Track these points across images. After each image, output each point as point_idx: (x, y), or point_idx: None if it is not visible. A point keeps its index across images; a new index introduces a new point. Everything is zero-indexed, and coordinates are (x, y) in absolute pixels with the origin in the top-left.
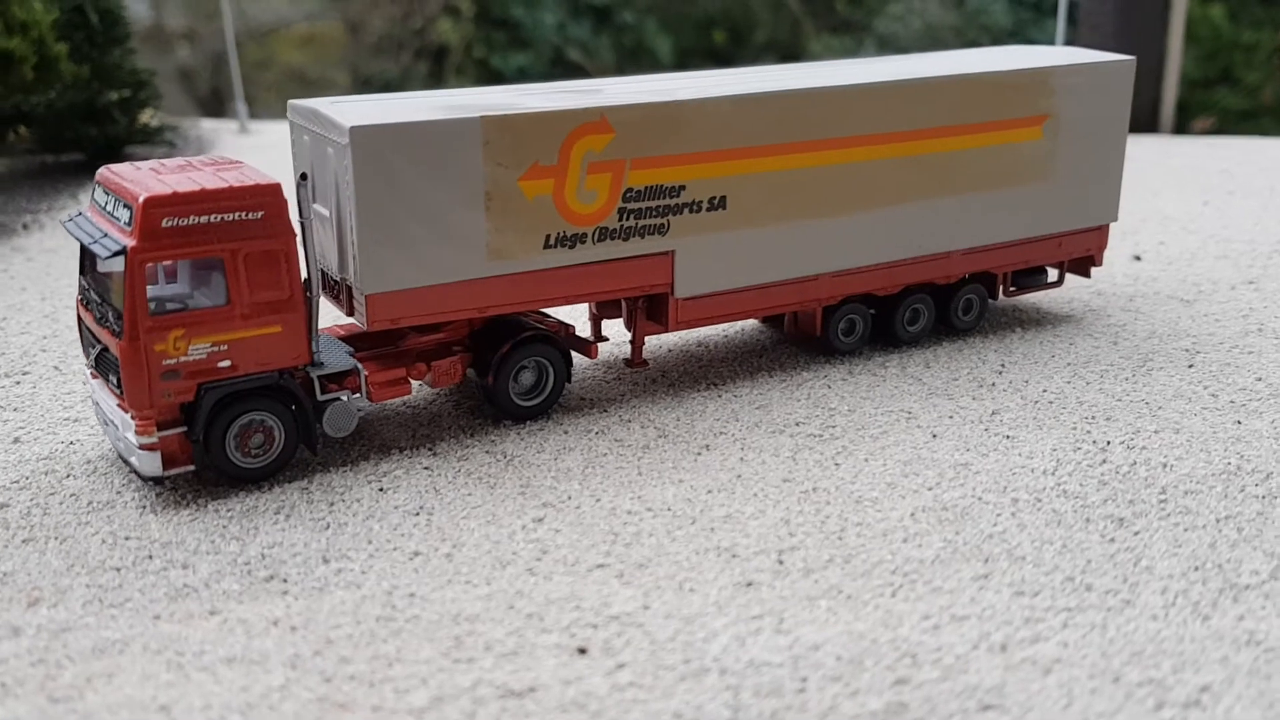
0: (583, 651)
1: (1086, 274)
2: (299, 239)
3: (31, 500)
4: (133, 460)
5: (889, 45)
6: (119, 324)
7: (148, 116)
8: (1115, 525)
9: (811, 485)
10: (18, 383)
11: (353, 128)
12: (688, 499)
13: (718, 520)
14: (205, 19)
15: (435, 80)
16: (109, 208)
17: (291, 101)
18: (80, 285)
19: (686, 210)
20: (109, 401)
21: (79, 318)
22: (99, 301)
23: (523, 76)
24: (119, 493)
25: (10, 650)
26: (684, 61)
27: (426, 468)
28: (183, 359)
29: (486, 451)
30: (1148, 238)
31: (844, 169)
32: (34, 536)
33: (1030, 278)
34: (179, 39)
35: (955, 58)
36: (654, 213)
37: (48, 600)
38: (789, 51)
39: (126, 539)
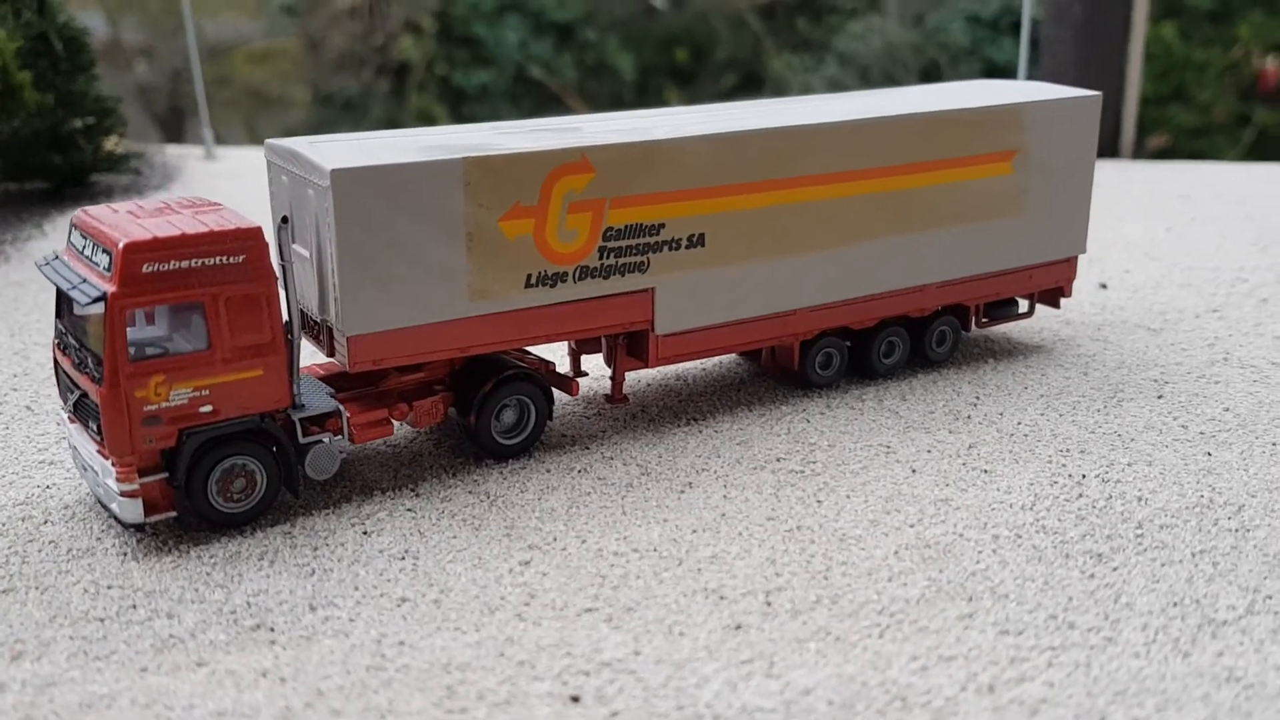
0: (575, 700)
1: (1056, 305)
2: (280, 281)
3: (9, 548)
4: (113, 506)
5: (849, 63)
6: (99, 370)
7: (112, 144)
8: (1094, 561)
9: (795, 524)
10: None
11: (334, 170)
12: (673, 539)
13: (704, 561)
14: (164, 36)
15: (397, 97)
16: (86, 252)
17: (269, 141)
18: (57, 329)
19: (666, 248)
20: (88, 447)
21: (55, 361)
22: (77, 346)
23: (485, 94)
24: (99, 539)
25: None
26: (646, 79)
27: (410, 509)
28: (164, 405)
29: (470, 492)
30: (1113, 265)
31: (819, 205)
32: (13, 586)
33: (1002, 309)
34: (136, 55)
35: (925, 93)
36: (634, 251)
37: (31, 654)
38: (750, 70)
39: (109, 588)
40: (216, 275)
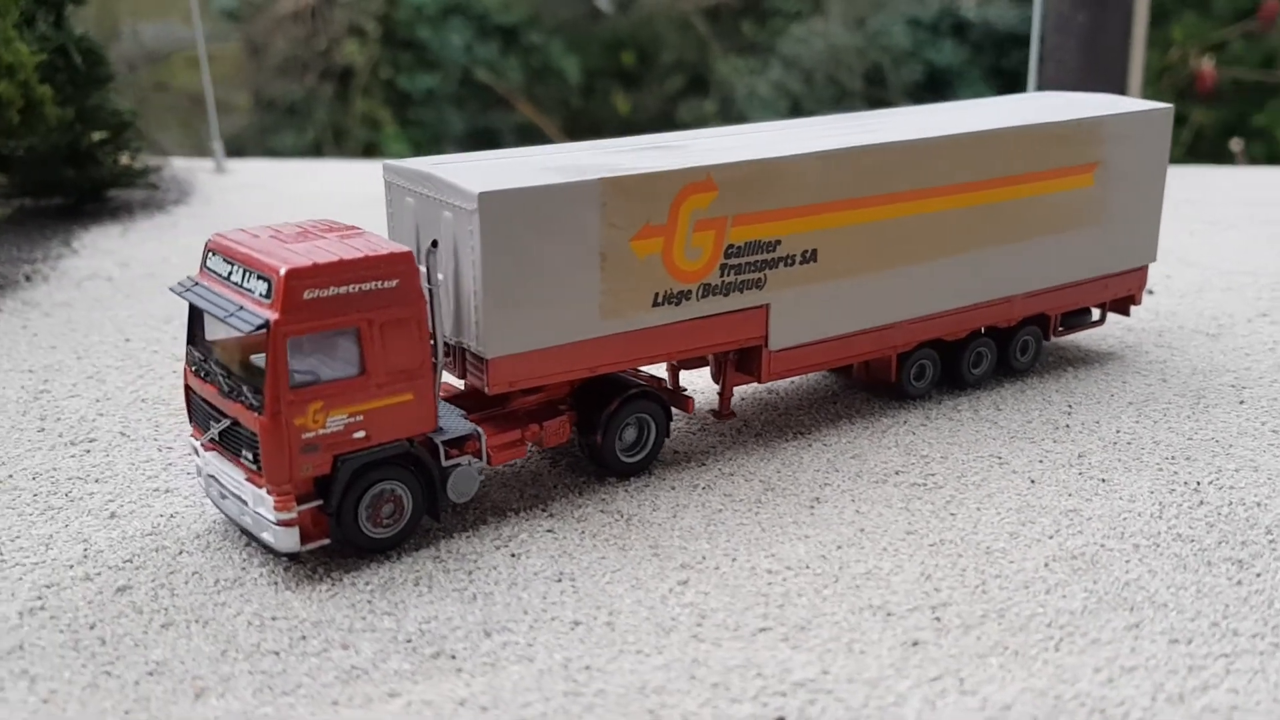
0: None
1: (1126, 313)
2: (427, 305)
3: (153, 580)
4: (265, 536)
5: (794, 66)
6: (257, 398)
7: (128, 158)
8: (1237, 568)
9: (937, 538)
10: (88, 451)
11: (481, 193)
12: (821, 556)
13: (860, 577)
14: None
15: (341, 101)
16: (235, 278)
17: (388, 163)
18: (192, 356)
19: (781, 264)
20: (234, 475)
21: (187, 388)
22: (225, 374)
23: (431, 97)
24: (244, 569)
25: None
26: (592, 82)
27: (549, 530)
28: (321, 431)
29: (602, 511)
30: (1153, 271)
31: (920, 219)
32: (172, 620)
33: (1077, 318)
34: None
35: (995, 106)
36: (752, 267)
37: (214, 690)
38: (697, 73)
39: (273, 619)
40: (372, 300)
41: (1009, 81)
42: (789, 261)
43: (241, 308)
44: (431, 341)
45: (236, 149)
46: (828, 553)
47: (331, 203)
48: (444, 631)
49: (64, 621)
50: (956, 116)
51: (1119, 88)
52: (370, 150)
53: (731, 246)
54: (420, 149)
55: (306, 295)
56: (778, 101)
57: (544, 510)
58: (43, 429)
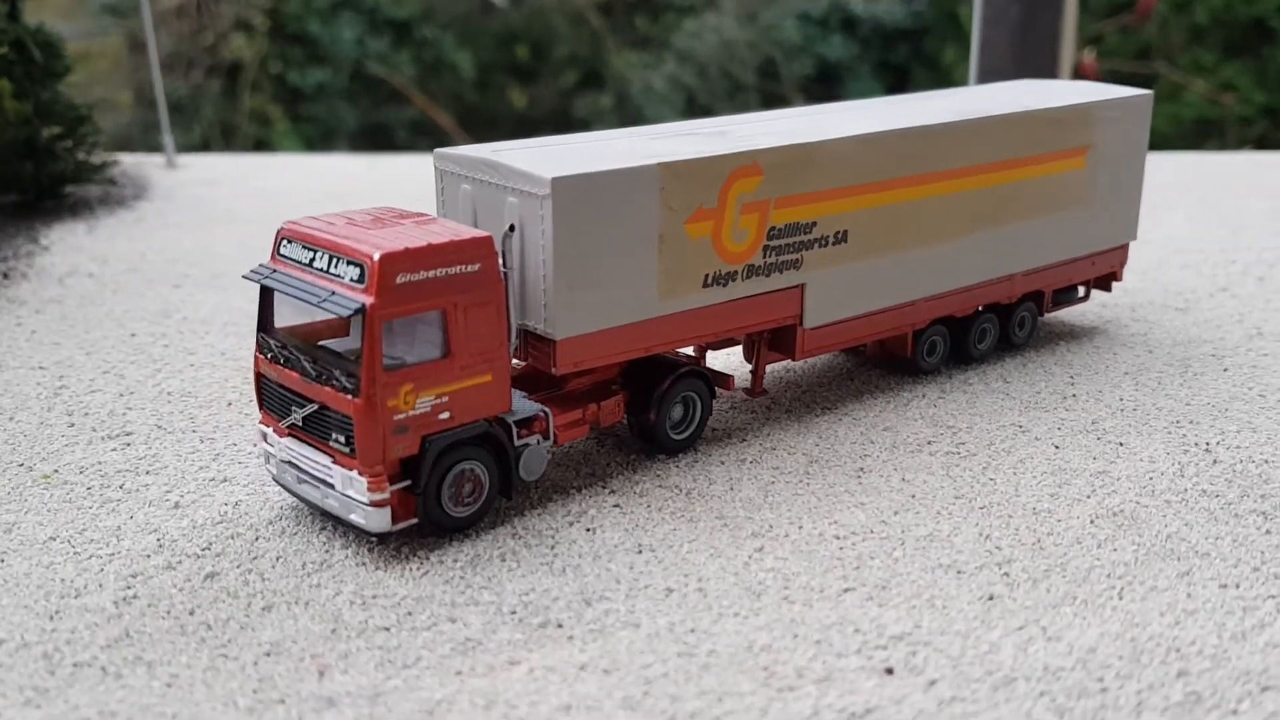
0: (890, 671)
1: (1108, 288)
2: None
3: (239, 566)
4: (354, 518)
5: (688, 61)
6: (351, 381)
7: (84, 153)
8: (1262, 519)
9: (984, 501)
10: (127, 444)
11: (554, 179)
12: (882, 521)
13: (922, 540)
14: None
15: (229, 98)
16: (318, 263)
17: (440, 151)
18: (266, 343)
19: (816, 245)
20: (317, 460)
21: (258, 375)
22: (312, 360)
23: (322, 92)
24: (328, 552)
25: None
26: (486, 77)
27: (616, 505)
28: (411, 413)
29: (660, 486)
30: None
31: (938, 201)
32: (272, 603)
33: (1065, 295)
34: None
35: (985, 94)
36: (791, 249)
37: (336, 666)
38: (591, 67)
39: (374, 597)
40: (457, 284)
41: (897, 76)
42: (823, 242)
43: (334, 293)
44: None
45: (121, 146)
46: (886, 518)
47: (298, 197)
48: (545, 603)
49: (162, 608)
50: (958, 103)
51: (1049, 76)
52: (260, 146)
53: (773, 228)
54: (312, 145)
55: (399, 279)
56: (673, 95)
57: (604, 487)
58: (73, 424)
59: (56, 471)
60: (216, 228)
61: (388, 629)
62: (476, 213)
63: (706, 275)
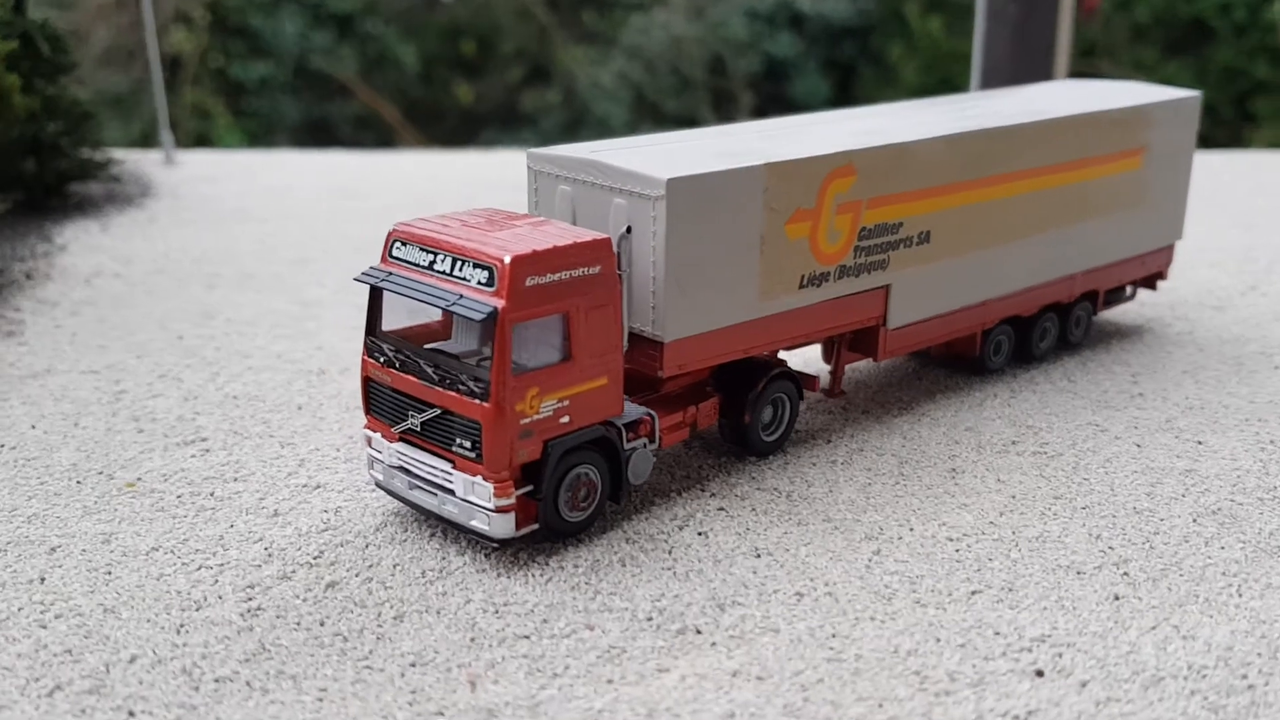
0: (1040, 674)
1: (1154, 287)
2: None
3: (356, 574)
4: (476, 523)
5: (636, 57)
6: (479, 386)
7: (88, 150)
8: None
9: (1084, 501)
10: (205, 450)
11: (670, 180)
12: (990, 522)
13: (1034, 540)
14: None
15: (170, 92)
16: (439, 266)
17: (534, 151)
18: (379, 346)
19: (902, 245)
20: (434, 465)
21: (366, 379)
22: (434, 364)
23: (264, 87)
24: (444, 559)
25: None
26: (431, 71)
27: (720, 509)
28: (535, 417)
29: (759, 489)
30: None
31: (1011, 201)
32: (403, 612)
33: (1115, 294)
34: None
35: (1039, 93)
36: (879, 249)
37: (485, 677)
38: (538, 63)
39: (506, 605)
40: (579, 286)
41: (844, 73)
42: (908, 243)
43: (462, 296)
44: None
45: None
46: (994, 519)
47: (308, 194)
48: (679, 608)
49: (291, 620)
50: (1019, 104)
51: (1046, 73)
52: (202, 142)
53: (864, 229)
54: (255, 139)
55: (528, 282)
56: (621, 91)
57: (703, 490)
58: (141, 430)
59: (140, 479)
60: (232, 226)
61: (527, 637)
62: (576, 214)
63: (803, 276)
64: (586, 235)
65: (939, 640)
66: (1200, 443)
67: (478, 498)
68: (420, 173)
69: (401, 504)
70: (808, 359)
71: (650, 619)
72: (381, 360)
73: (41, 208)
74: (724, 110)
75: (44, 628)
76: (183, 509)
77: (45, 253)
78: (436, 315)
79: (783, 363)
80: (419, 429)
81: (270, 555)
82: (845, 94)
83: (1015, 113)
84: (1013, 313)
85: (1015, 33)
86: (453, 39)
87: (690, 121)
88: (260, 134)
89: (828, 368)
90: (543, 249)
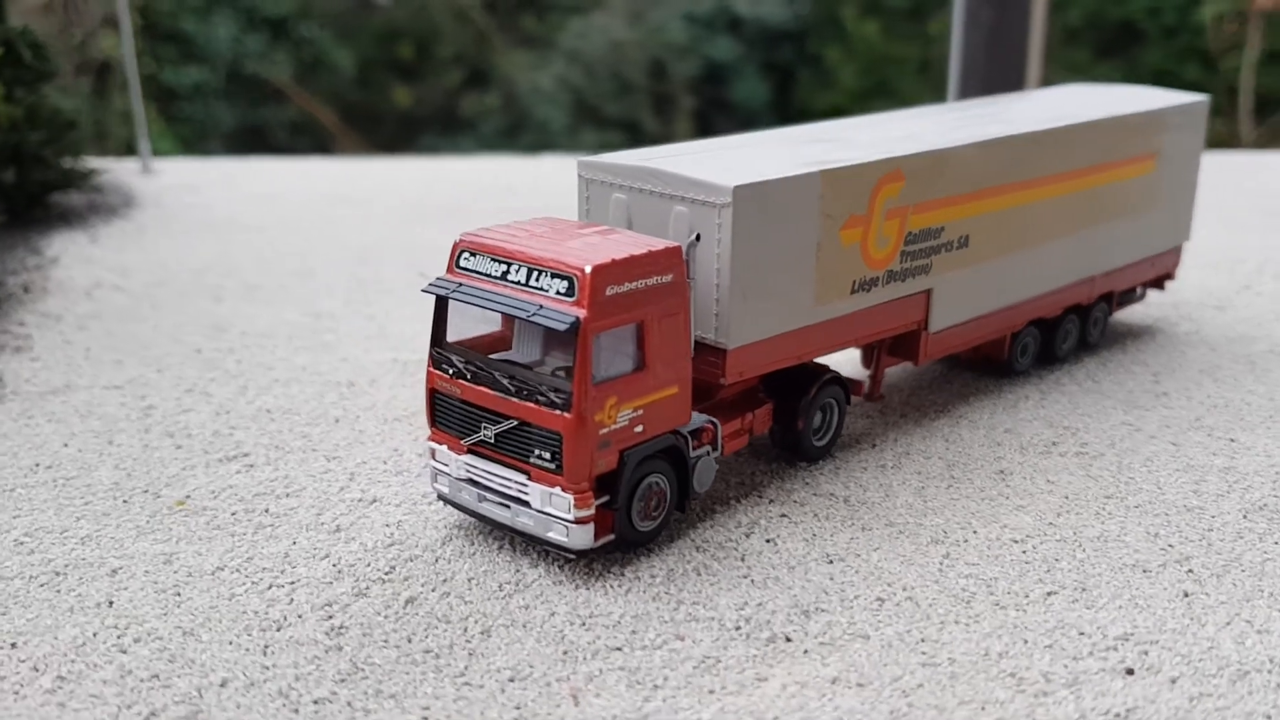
0: (1131, 672)
1: (1162, 287)
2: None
3: (432, 589)
4: (553, 535)
5: (576, 61)
6: (559, 396)
7: (70, 160)
8: None
9: (1135, 500)
10: (250, 466)
11: (737, 187)
12: (1049, 523)
13: (1095, 540)
14: None
15: (100, 97)
16: (514, 276)
17: (585, 159)
18: (445, 358)
19: (944, 250)
20: (508, 477)
21: (432, 390)
22: (508, 376)
23: (198, 92)
24: (517, 571)
25: None
26: (367, 75)
27: (783, 515)
28: (613, 427)
29: (816, 495)
30: None
31: (1042, 205)
32: (489, 627)
33: (1128, 295)
34: None
35: (1053, 97)
36: (923, 254)
37: (587, 690)
38: (477, 67)
39: (591, 617)
40: (653, 295)
41: (782, 76)
42: (949, 247)
43: (542, 306)
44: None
45: None
46: (1052, 520)
47: (296, 202)
48: (764, 616)
49: (378, 637)
50: (1038, 109)
51: (1020, 76)
52: (133, 150)
53: (910, 234)
54: (188, 146)
55: (608, 291)
56: (561, 95)
57: (760, 497)
58: (179, 445)
59: (189, 497)
60: (227, 235)
61: (619, 649)
62: (631, 222)
63: (854, 282)
64: (659, 243)
65: (1026, 642)
66: (1233, 440)
67: (556, 509)
68: (407, 178)
69: (465, 517)
70: (837, 363)
71: (738, 628)
72: (450, 372)
73: (24, 219)
74: (665, 114)
75: (124, 652)
76: (240, 526)
77: (37, 265)
78: (496, 326)
79: (829, 368)
80: (492, 441)
81: (340, 572)
82: (785, 97)
83: (1042, 118)
84: (1039, 315)
85: (990, 37)
86: (390, 42)
87: (632, 126)
88: (193, 140)
89: (866, 372)
90: (621, 258)
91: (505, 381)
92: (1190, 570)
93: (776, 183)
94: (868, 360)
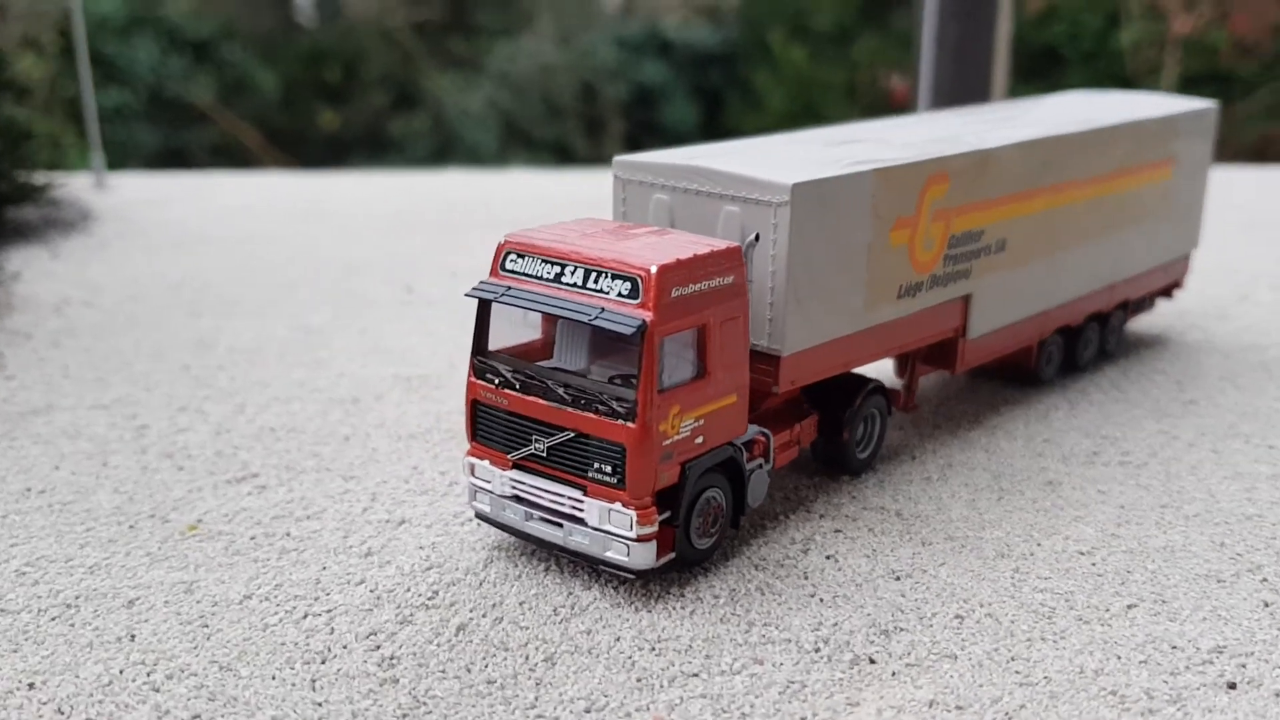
0: (1233, 686)
1: (1170, 295)
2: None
3: (482, 614)
4: (611, 555)
5: (505, 84)
6: (622, 406)
7: (23, 174)
8: None
9: (1192, 510)
10: (262, 487)
11: (796, 184)
12: (1111, 534)
13: (1163, 551)
14: None
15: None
16: (569, 278)
17: (622, 159)
18: (490, 367)
19: (983, 254)
20: (560, 493)
21: (473, 402)
22: (563, 385)
23: (119, 114)
24: (570, 594)
25: None
26: (293, 97)
27: (837, 530)
28: (676, 438)
29: (866, 509)
30: None
31: (1073, 209)
32: (551, 654)
33: (1139, 303)
34: None
35: (1066, 103)
36: (964, 258)
37: (673, 718)
38: (405, 89)
39: (660, 641)
40: (713, 298)
41: (711, 100)
42: (988, 251)
43: (604, 310)
44: None
45: None
46: (1115, 530)
47: (266, 215)
48: (842, 637)
49: (434, 668)
50: (1061, 113)
51: (985, 92)
52: (58, 167)
53: (953, 236)
54: (110, 169)
55: (674, 294)
56: (490, 118)
57: (809, 512)
58: (180, 467)
59: (201, 521)
60: (196, 250)
61: (696, 675)
62: (675, 224)
63: (901, 286)
64: (719, 244)
65: (1120, 658)
66: (1272, 447)
67: (616, 526)
68: (381, 193)
69: (504, 537)
70: (870, 373)
71: (818, 649)
72: (496, 382)
73: None
74: (595, 137)
75: (157, 690)
76: (261, 551)
77: None
78: (534, 334)
79: (872, 378)
80: (544, 455)
81: (379, 599)
82: (714, 120)
83: (1071, 120)
84: (1065, 322)
85: (955, 55)
86: (315, 65)
87: (562, 149)
88: (115, 162)
89: (899, 382)
90: (685, 258)
91: (560, 391)
92: (1265, 579)
93: (834, 181)
94: (902, 370)
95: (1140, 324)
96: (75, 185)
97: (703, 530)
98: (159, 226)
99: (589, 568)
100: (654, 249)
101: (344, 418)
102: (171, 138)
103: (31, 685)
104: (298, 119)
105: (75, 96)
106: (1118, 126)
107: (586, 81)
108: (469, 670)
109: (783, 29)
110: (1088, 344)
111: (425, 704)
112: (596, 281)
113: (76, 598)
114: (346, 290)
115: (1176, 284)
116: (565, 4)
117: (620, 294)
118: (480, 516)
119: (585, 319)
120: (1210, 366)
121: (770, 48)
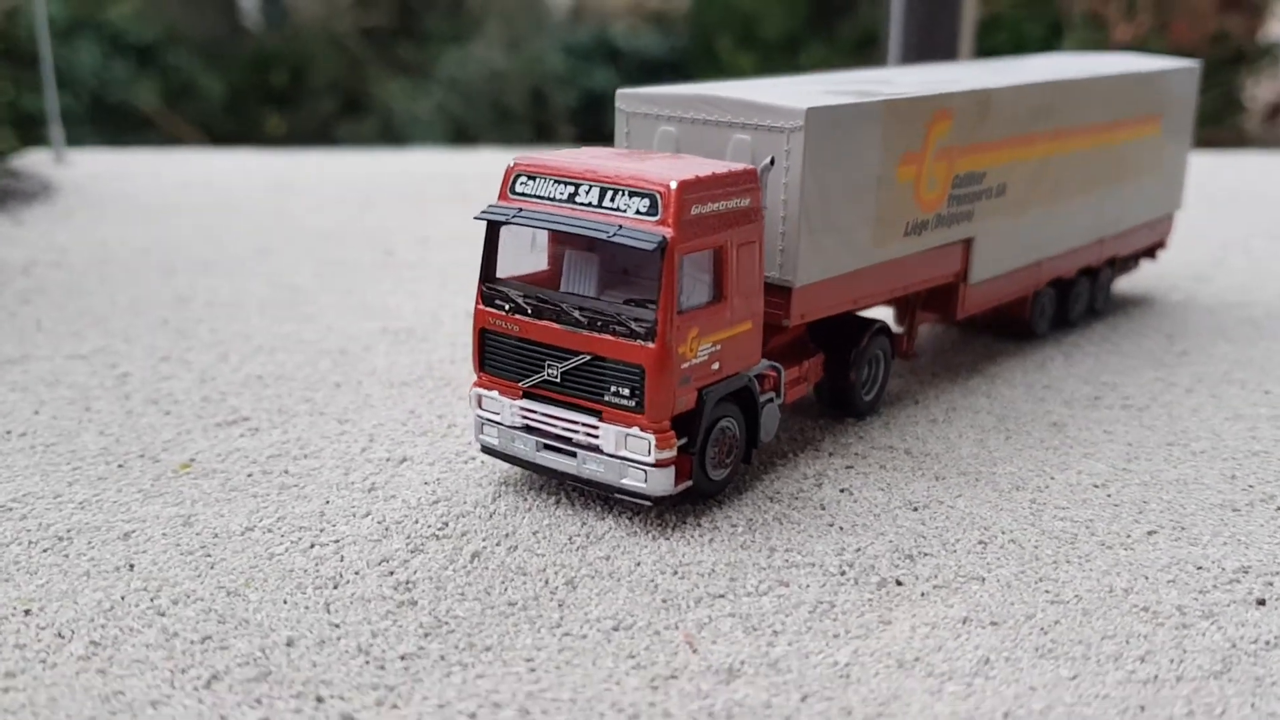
0: (1262, 603)
1: (1154, 256)
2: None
3: (496, 544)
4: (628, 482)
5: (454, 89)
6: (642, 326)
7: None
8: None
9: (1198, 447)
10: (254, 429)
11: (810, 109)
12: (1123, 469)
13: (1175, 483)
14: None
15: None
16: (583, 197)
17: (626, 91)
18: (499, 293)
19: (984, 196)
20: (574, 420)
21: (481, 330)
22: (578, 307)
23: (63, 119)
24: (583, 524)
25: (743, 692)
26: (239, 102)
27: (849, 467)
28: (694, 362)
29: (874, 448)
30: None
31: (1070, 158)
32: (573, 578)
33: (1126, 261)
34: None
35: (1064, 61)
36: (967, 199)
37: (703, 639)
38: (353, 95)
39: (682, 565)
40: (731, 219)
41: None
42: (989, 194)
43: (622, 227)
44: None
45: None
46: (1126, 465)
47: (239, 186)
48: (867, 561)
49: (452, 591)
50: (1053, 66)
51: None
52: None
53: (956, 176)
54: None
55: (693, 211)
56: (439, 123)
57: (818, 450)
58: (167, 412)
59: (194, 460)
60: (164, 218)
61: (723, 595)
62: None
63: (908, 223)
64: (736, 165)
65: (1145, 578)
66: (1268, 392)
67: (633, 451)
68: (346, 169)
69: (512, 471)
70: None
71: (843, 573)
72: (507, 308)
73: None
74: (545, 143)
75: (162, 615)
76: (259, 488)
77: None
78: (542, 264)
79: (876, 319)
80: (558, 381)
81: (388, 529)
82: None
83: (1062, 69)
84: (1059, 274)
85: (925, 30)
86: (262, 70)
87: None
88: None
89: (899, 329)
90: (704, 175)
91: (576, 313)
92: None
93: (847, 108)
94: (902, 317)
95: (1124, 285)
96: (34, 160)
97: (718, 460)
98: (124, 197)
99: (603, 498)
100: (671, 168)
101: (333, 367)
102: (116, 142)
103: (28, 611)
104: (244, 124)
105: (15, 100)
106: (1113, 76)
107: (536, 88)
108: (488, 593)
109: (731, 37)
110: (1079, 298)
111: (447, 623)
112: (613, 199)
113: (69, 530)
114: (325, 254)
115: (1161, 244)
116: (514, 10)
117: (639, 211)
118: (487, 450)
119: (604, 235)
120: (1198, 321)
121: (719, 55)
